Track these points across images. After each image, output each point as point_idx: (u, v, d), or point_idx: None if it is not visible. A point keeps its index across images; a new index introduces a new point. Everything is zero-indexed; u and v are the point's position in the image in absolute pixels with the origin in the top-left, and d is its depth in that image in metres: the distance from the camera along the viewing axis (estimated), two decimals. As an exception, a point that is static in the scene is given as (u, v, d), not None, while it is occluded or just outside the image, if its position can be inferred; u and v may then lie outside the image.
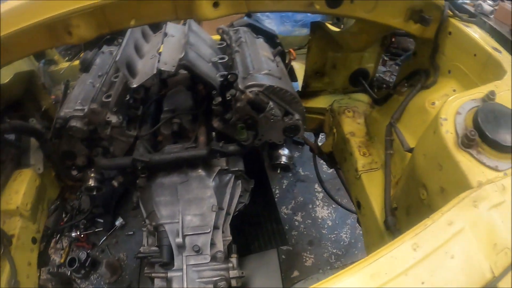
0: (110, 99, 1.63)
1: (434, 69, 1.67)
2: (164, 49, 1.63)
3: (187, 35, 1.63)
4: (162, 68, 1.52)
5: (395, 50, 5.72)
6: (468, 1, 3.59)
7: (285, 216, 2.86)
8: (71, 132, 1.59)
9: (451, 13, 1.60)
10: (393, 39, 5.70)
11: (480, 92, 1.13)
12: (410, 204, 1.31)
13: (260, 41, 1.89)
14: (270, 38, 1.99)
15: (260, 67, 1.56)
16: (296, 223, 2.85)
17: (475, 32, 1.56)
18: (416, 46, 1.87)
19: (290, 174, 3.15)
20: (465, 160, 0.98)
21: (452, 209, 0.89)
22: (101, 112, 1.61)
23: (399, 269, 0.77)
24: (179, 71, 1.65)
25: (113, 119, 1.62)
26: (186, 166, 1.66)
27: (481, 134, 0.99)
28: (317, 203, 2.97)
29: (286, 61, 1.96)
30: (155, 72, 1.49)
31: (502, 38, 3.17)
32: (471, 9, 3.46)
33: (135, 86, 1.52)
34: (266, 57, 1.68)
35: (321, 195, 2.99)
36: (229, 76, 1.45)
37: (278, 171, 1.83)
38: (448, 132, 1.03)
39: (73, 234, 2.97)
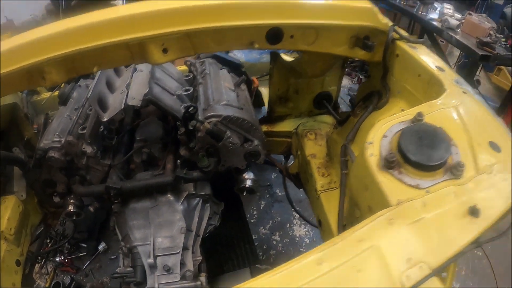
0: (85, 131, 1.84)
1: (385, 90, 1.82)
2: (132, 84, 1.85)
3: (152, 71, 1.85)
4: (129, 103, 1.73)
5: None
6: (436, 17, 3.89)
7: (263, 236, 3.03)
8: (50, 162, 1.79)
9: (398, 36, 1.73)
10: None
11: (410, 114, 1.24)
12: (352, 222, 1.46)
13: (224, 72, 2.11)
14: (236, 68, 2.21)
15: (220, 98, 1.78)
16: (274, 242, 3.02)
17: (420, 53, 1.67)
18: (370, 68, 2.05)
19: (268, 195, 3.35)
20: (385, 181, 1.08)
21: (365, 227, 0.97)
22: (77, 144, 1.81)
23: (301, 282, 0.86)
24: (150, 102, 1.87)
25: (88, 149, 1.81)
26: (156, 192, 1.85)
27: (403, 155, 1.09)
28: (295, 222, 3.15)
29: (252, 88, 2.19)
30: (122, 107, 1.71)
31: (469, 50, 3.42)
32: (438, 24, 3.77)
33: (105, 119, 1.74)
34: (227, 88, 1.89)
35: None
36: (190, 109, 1.67)
37: (244, 194, 2.02)
38: (372, 155, 1.15)
39: (58, 259, 3.14)
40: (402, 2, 4.59)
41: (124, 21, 1.29)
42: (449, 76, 1.50)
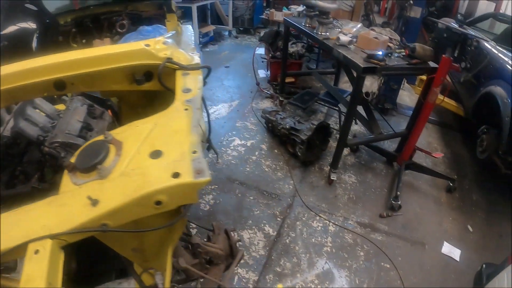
0: (-16, 155, 2.76)
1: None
2: (11, 120, 2.81)
3: (20, 110, 2.79)
4: (4, 134, 2.68)
5: (294, 89, 6.86)
6: (333, 36, 4.69)
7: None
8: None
9: (176, 66, 2.23)
10: (293, 80, 6.92)
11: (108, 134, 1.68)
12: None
13: (83, 107, 3.00)
14: (101, 102, 3.14)
15: (65, 128, 2.64)
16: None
17: (184, 79, 2.15)
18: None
19: None
20: (64, 179, 1.55)
21: (39, 203, 1.43)
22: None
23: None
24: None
25: (-14, 167, 2.73)
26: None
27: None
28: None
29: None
30: (-3, 138, 2.65)
31: (354, 64, 4.06)
32: (331, 43, 4.57)
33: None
34: (76, 120, 2.78)
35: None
36: (40, 137, 2.61)
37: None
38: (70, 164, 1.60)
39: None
40: (306, 25, 5.31)
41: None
42: (189, 96, 1.93)
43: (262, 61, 8.15)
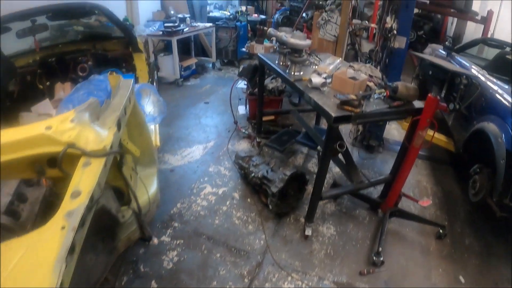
0: None
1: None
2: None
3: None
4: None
5: (273, 128, 6.75)
6: (305, 77, 4.41)
7: (115, 314, 3.58)
8: None
9: (78, 152, 2.06)
10: (273, 117, 6.82)
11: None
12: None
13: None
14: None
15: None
16: (124, 320, 3.57)
17: (85, 172, 1.99)
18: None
19: (131, 271, 3.91)
20: None
21: None
22: None
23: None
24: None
25: None
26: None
27: None
28: None
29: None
30: None
31: (324, 113, 3.61)
32: (303, 85, 4.28)
33: None
34: (6, 193, 2.58)
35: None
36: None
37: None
38: None
39: None
40: (280, 63, 5.02)
41: None
42: (74, 205, 1.75)
43: (240, 98, 8.04)
